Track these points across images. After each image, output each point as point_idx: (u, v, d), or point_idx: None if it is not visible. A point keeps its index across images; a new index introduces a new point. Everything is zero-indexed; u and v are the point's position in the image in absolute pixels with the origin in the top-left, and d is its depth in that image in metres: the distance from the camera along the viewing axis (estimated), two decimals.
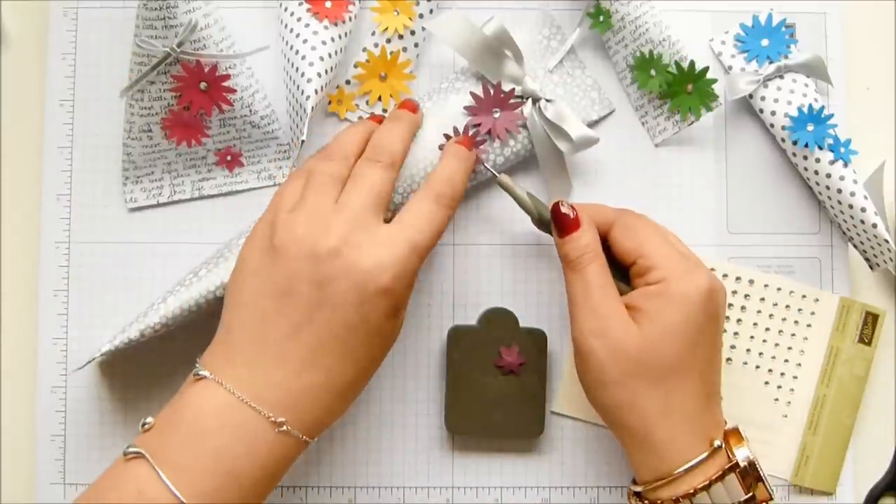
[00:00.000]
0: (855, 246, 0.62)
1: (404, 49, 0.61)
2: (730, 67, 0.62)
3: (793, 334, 0.62)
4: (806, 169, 0.61)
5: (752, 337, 0.62)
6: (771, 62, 0.61)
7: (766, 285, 0.62)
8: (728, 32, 0.63)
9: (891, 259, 0.59)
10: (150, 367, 0.60)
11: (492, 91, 0.58)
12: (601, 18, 0.61)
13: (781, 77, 0.61)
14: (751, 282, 0.62)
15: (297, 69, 0.56)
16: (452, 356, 0.59)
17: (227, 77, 0.58)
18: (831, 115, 0.59)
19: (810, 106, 0.59)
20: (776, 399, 0.62)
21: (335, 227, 0.48)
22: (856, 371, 0.62)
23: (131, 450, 0.46)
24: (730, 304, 0.62)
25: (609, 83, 0.63)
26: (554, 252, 0.59)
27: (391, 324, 0.50)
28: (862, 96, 0.64)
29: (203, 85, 0.58)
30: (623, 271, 0.54)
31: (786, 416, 0.61)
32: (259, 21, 0.61)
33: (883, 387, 0.63)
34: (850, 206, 0.59)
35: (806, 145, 0.59)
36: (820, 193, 0.61)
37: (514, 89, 0.59)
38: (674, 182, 0.62)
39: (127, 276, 0.61)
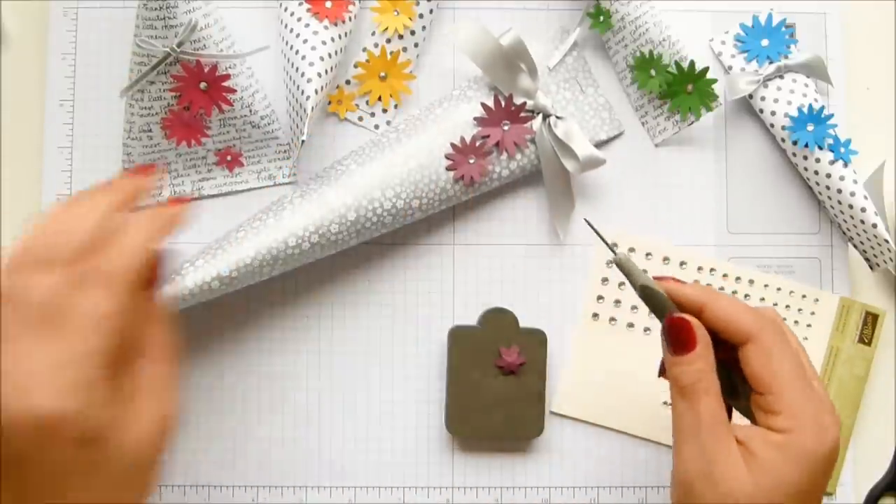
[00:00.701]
0: (855, 246, 0.62)
1: (404, 49, 0.61)
2: (730, 67, 0.62)
3: None
4: (806, 169, 0.61)
5: None
6: (771, 62, 0.61)
7: (766, 285, 0.62)
8: (728, 32, 0.63)
9: (891, 259, 0.59)
10: None
11: (503, 103, 0.58)
12: (601, 18, 0.61)
13: (781, 77, 0.61)
14: (751, 282, 0.62)
15: (297, 69, 0.56)
16: (452, 356, 0.59)
17: (227, 77, 0.58)
18: (831, 115, 0.59)
19: (810, 106, 0.59)
20: None
21: None
22: (856, 371, 0.62)
23: None
24: None
25: (609, 83, 0.63)
26: (554, 253, 0.59)
27: None
28: (862, 96, 0.64)
29: (203, 85, 0.58)
30: (738, 376, 0.48)
31: None
32: (259, 21, 0.61)
33: (883, 387, 0.63)
34: (850, 206, 0.59)
35: (806, 145, 0.59)
36: (820, 193, 0.61)
37: (525, 103, 0.59)
38: (674, 182, 0.62)
39: None
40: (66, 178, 0.61)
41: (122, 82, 0.58)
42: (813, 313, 0.62)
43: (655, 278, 0.48)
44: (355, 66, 0.61)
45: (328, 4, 0.57)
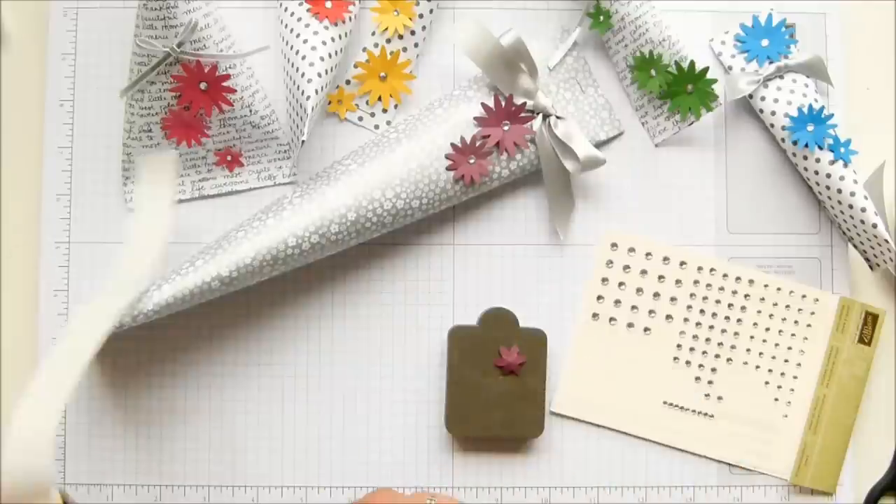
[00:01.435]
0: (855, 246, 0.62)
1: (404, 49, 0.61)
2: (730, 67, 0.62)
3: (793, 334, 0.62)
4: (806, 169, 0.61)
5: (752, 337, 0.62)
6: (771, 62, 0.61)
7: (766, 285, 0.62)
8: (728, 32, 0.63)
9: (891, 259, 0.59)
10: (149, 367, 0.60)
11: (503, 103, 0.59)
12: (601, 18, 0.61)
13: (781, 77, 0.61)
14: (751, 282, 0.62)
15: (297, 69, 0.56)
16: (452, 356, 0.59)
17: (227, 77, 0.58)
18: (831, 115, 0.59)
19: (810, 106, 0.59)
20: (776, 399, 0.62)
21: None
22: (856, 371, 0.62)
23: None
24: (730, 304, 0.62)
25: (609, 83, 0.63)
26: (554, 253, 0.59)
27: None
28: (862, 96, 0.64)
29: (203, 85, 0.58)
30: None
31: (786, 416, 0.62)
32: (259, 21, 0.61)
33: (883, 387, 0.63)
34: (850, 206, 0.59)
35: (806, 145, 0.59)
36: (820, 193, 0.61)
37: (525, 103, 0.59)
38: (674, 182, 0.62)
39: None
40: (66, 178, 0.61)
41: (122, 82, 0.58)
42: (813, 313, 0.62)
43: None
44: (355, 66, 0.61)
45: (328, 4, 0.57)
